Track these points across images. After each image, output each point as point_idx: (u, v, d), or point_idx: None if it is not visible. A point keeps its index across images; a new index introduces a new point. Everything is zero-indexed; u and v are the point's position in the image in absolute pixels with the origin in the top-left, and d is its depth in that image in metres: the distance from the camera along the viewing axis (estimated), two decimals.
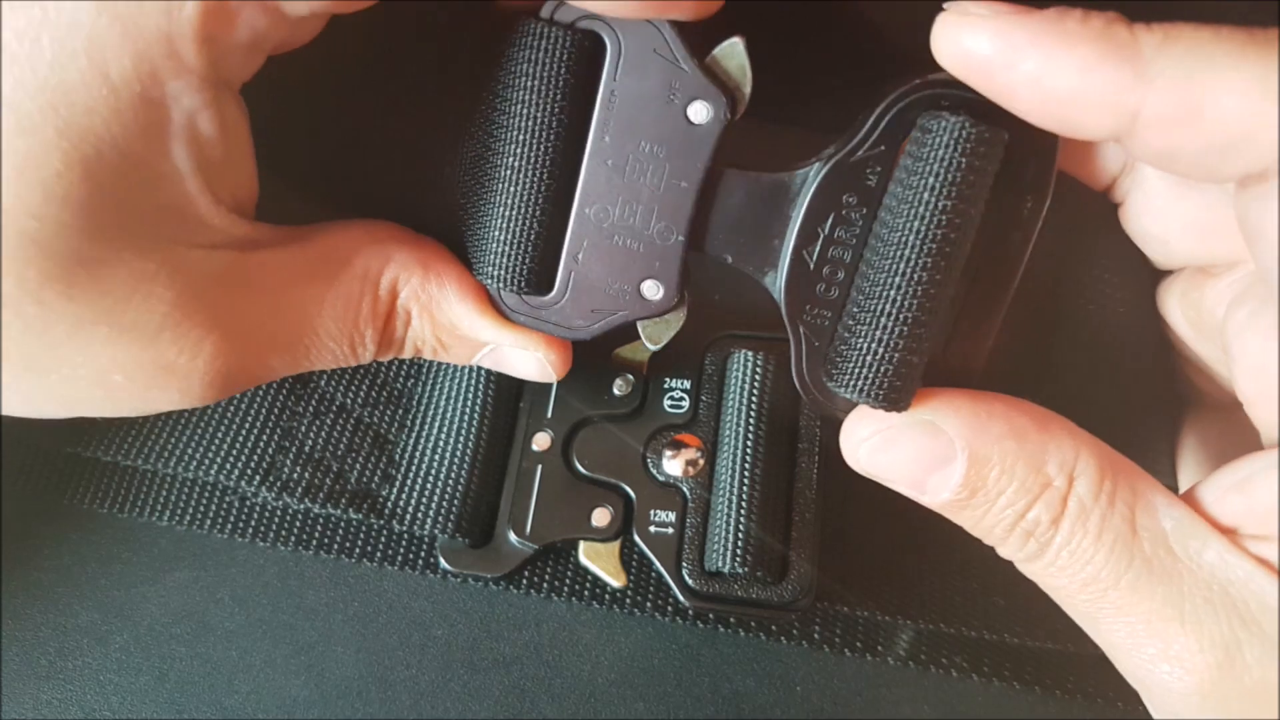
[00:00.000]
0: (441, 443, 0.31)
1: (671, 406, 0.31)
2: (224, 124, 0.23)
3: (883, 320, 0.23)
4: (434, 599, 0.32)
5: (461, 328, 0.27)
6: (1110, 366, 0.29)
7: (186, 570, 0.33)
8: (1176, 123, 0.21)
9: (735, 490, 0.29)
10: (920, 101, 0.23)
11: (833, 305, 0.25)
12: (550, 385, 0.32)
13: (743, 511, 0.29)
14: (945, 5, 0.22)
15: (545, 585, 0.32)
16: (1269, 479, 0.22)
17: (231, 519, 0.33)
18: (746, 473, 0.29)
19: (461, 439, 0.31)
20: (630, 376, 0.31)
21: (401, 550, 0.32)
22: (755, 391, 0.30)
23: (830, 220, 0.24)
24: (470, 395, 0.31)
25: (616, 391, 0.31)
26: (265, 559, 0.33)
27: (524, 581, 0.32)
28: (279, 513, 0.33)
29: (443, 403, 0.32)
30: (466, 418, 0.31)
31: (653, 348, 0.28)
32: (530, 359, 0.28)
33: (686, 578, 0.29)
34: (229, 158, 0.23)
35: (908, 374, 0.24)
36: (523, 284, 0.26)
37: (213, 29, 0.21)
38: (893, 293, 0.23)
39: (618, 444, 0.31)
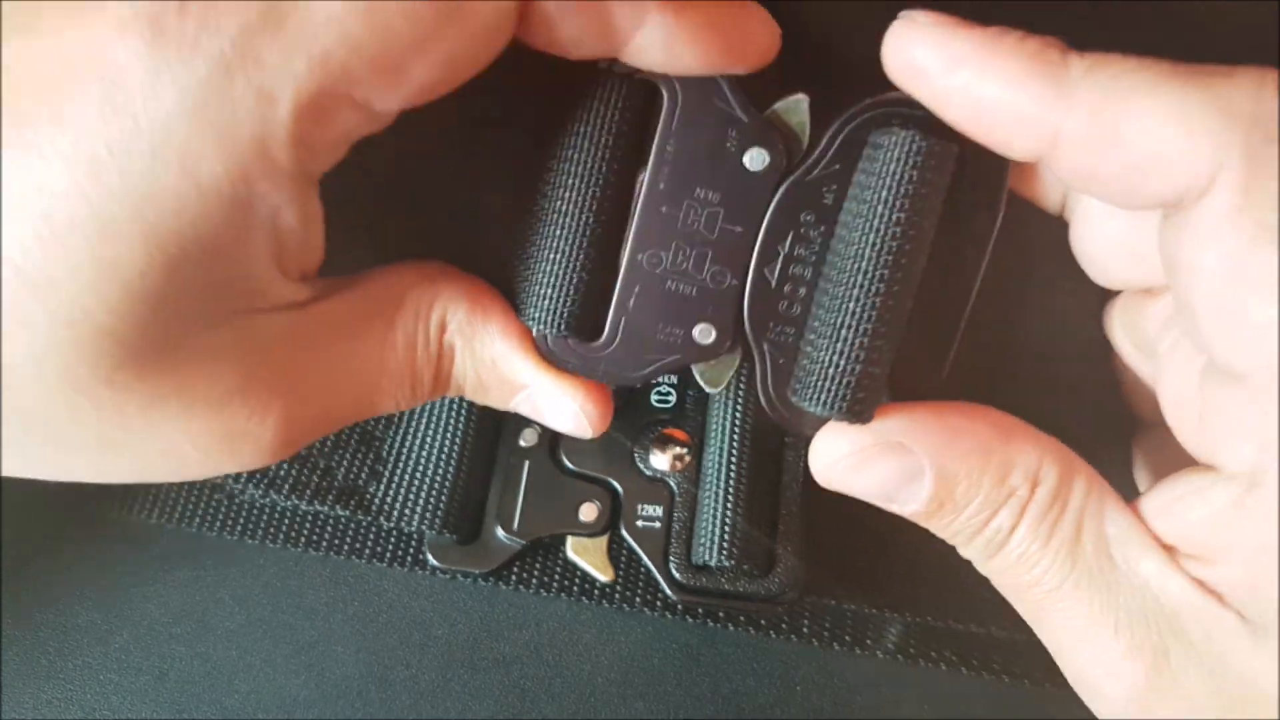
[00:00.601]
0: (428, 439, 0.31)
1: (658, 401, 0.31)
2: (305, 213, 0.23)
3: (843, 333, 0.24)
4: (434, 599, 0.32)
5: (501, 365, 0.27)
6: (1067, 379, 0.29)
7: (186, 570, 0.33)
8: (1094, 145, 0.21)
9: (722, 484, 0.29)
10: (873, 119, 0.24)
11: (795, 322, 0.25)
12: None
13: (729, 505, 0.29)
14: (900, 14, 0.23)
15: (533, 581, 0.32)
16: (1199, 501, 0.23)
17: (220, 517, 0.33)
18: (733, 467, 0.29)
19: (448, 435, 0.31)
20: None
21: (390, 547, 0.32)
22: (742, 386, 0.30)
23: (790, 239, 0.25)
24: None
25: None
26: (265, 559, 0.33)
27: (512, 577, 0.32)
28: (267, 510, 0.33)
29: None
30: (453, 414, 0.31)
31: (712, 390, 0.27)
32: (566, 409, 0.27)
33: (674, 571, 0.29)
34: (306, 242, 0.24)
35: (870, 385, 0.24)
36: (565, 326, 0.26)
37: (305, 131, 0.20)
38: (851, 305, 0.23)
39: (605, 439, 0.31)
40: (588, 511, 0.30)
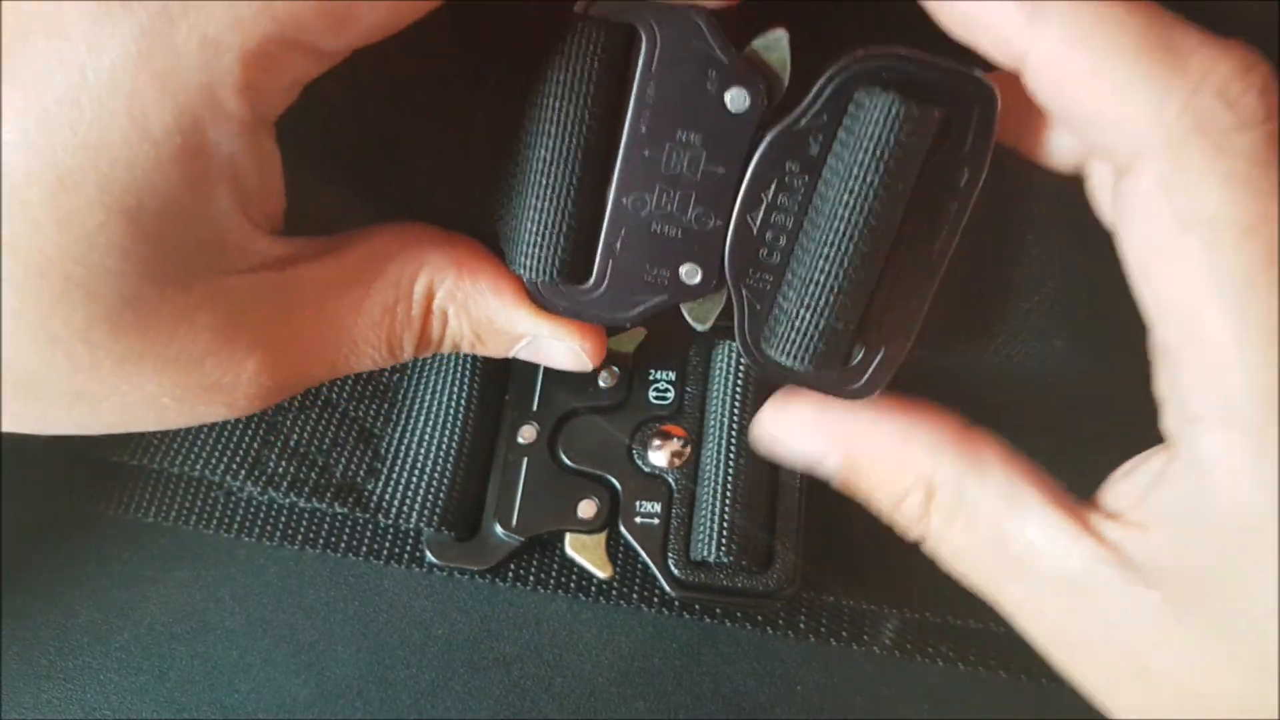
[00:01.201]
0: (427, 436, 0.31)
1: (656, 398, 0.31)
2: (261, 158, 0.23)
3: (811, 289, 0.24)
4: (434, 598, 0.32)
5: (498, 322, 0.28)
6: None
7: (187, 569, 0.33)
8: (1053, 82, 0.22)
9: (720, 480, 0.29)
10: (861, 74, 0.23)
11: (773, 270, 0.26)
12: (535, 378, 0.32)
13: (727, 501, 0.29)
14: None
15: (532, 578, 0.32)
16: (1139, 471, 0.24)
17: (217, 514, 0.33)
18: (731, 463, 0.29)
19: (447, 432, 0.31)
20: (616, 368, 0.32)
21: (388, 544, 0.32)
22: (739, 382, 0.30)
23: (774, 187, 0.25)
24: (455, 388, 0.32)
25: (602, 383, 0.31)
26: (265, 558, 0.33)
27: (510, 574, 0.32)
28: (265, 507, 0.33)
29: (428, 396, 0.32)
30: (452, 411, 0.31)
31: (700, 327, 0.28)
32: (565, 349, 0.28)
33: (672, 568, 0.29)
34: (264, 186, 0.24)
35: (834, 340, 0.25)
36: (556, 273, 0.26)
37: (253, 76, 0.21)
38: (822, 262, 0.24)
39: (603, 436, 0.31)
40: (586, 508, 0.30)
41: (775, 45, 0.24)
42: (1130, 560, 0.23)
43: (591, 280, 0.27)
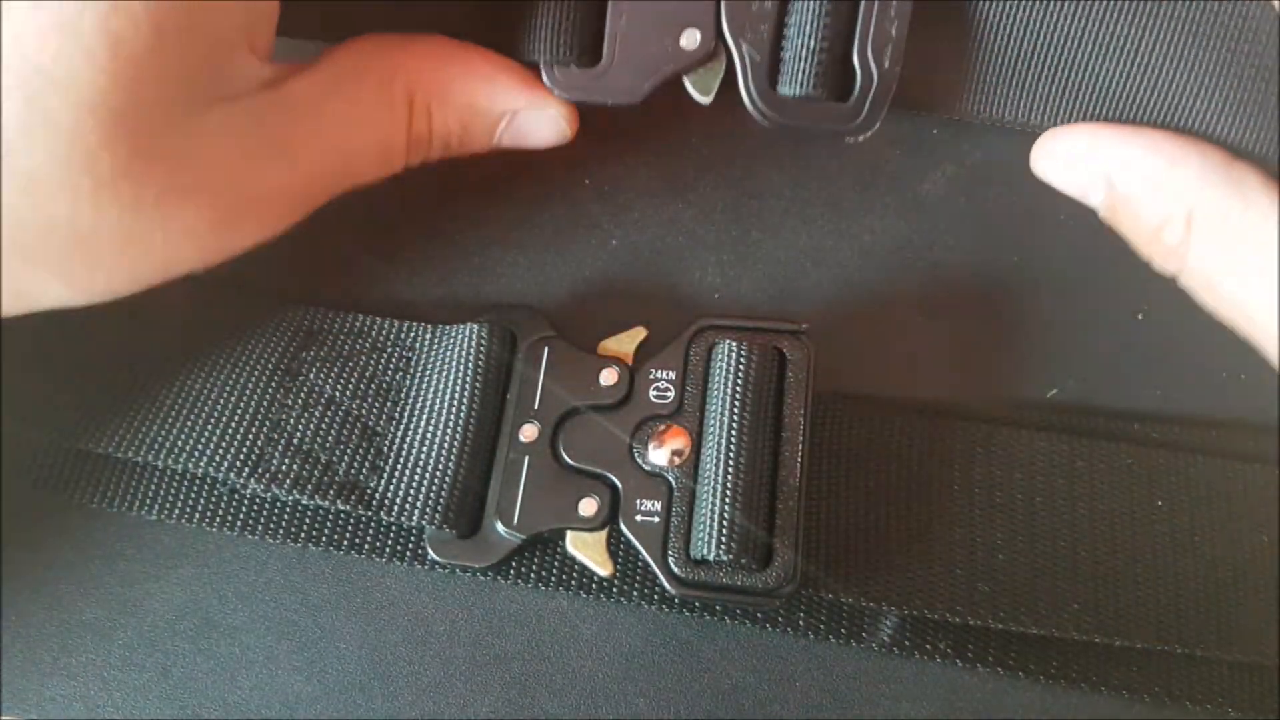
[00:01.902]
0: (429, 434, 0.32)
1: (657, 397, 0.31)
2: None
3: (810, 18, 0.28)
4: (436, 595, 0.33)
5: (478, 103, 0.30)
6: None
7: (190, 567, 0.33)
8: None
9: (720, 479, 0.29)
10: None
11: (768, 17, 0.29)
12: (537, 378, 0.32)
13: (727, 500, 0.29)
14: None
15: (532, 575, 0.32)
16: None
17: (221, 512, 0.33)
18: (731, 462, 0.29)
19: (449, 431, 0.31)
20: (616, 367, 0.32)
21: (390, 541, 0.33)
22: (739, 381, 0.30)
23: None
24: (458, 388, 0.32)
25: (603, 382, 0.32)
26: (268, 555, 0.33)
27: (511, 571, 0.32)
28: (268, 505, 0.33)
29: (431, 395, 0.32)
30: (454, 410, 0.31)
31: (703, 99, 0.30)
32: (546, 119, 0.31)
33: (672, 565, 0.29)
34: (266, 11, 0.26)
35: (834, 68, 0.29)
36: (567, 53, 0.29)
37: None
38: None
39: (604, 435, 0.31)
40: (587, 506, 0.30)
41: None
42: None
43: (602, 61, 0.29)
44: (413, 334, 0.34)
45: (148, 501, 0.33)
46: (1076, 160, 0.30)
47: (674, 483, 0.30)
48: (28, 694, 0.32)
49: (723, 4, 0.28)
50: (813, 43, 0.28)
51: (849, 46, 0.29)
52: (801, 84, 0.28)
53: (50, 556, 0.33)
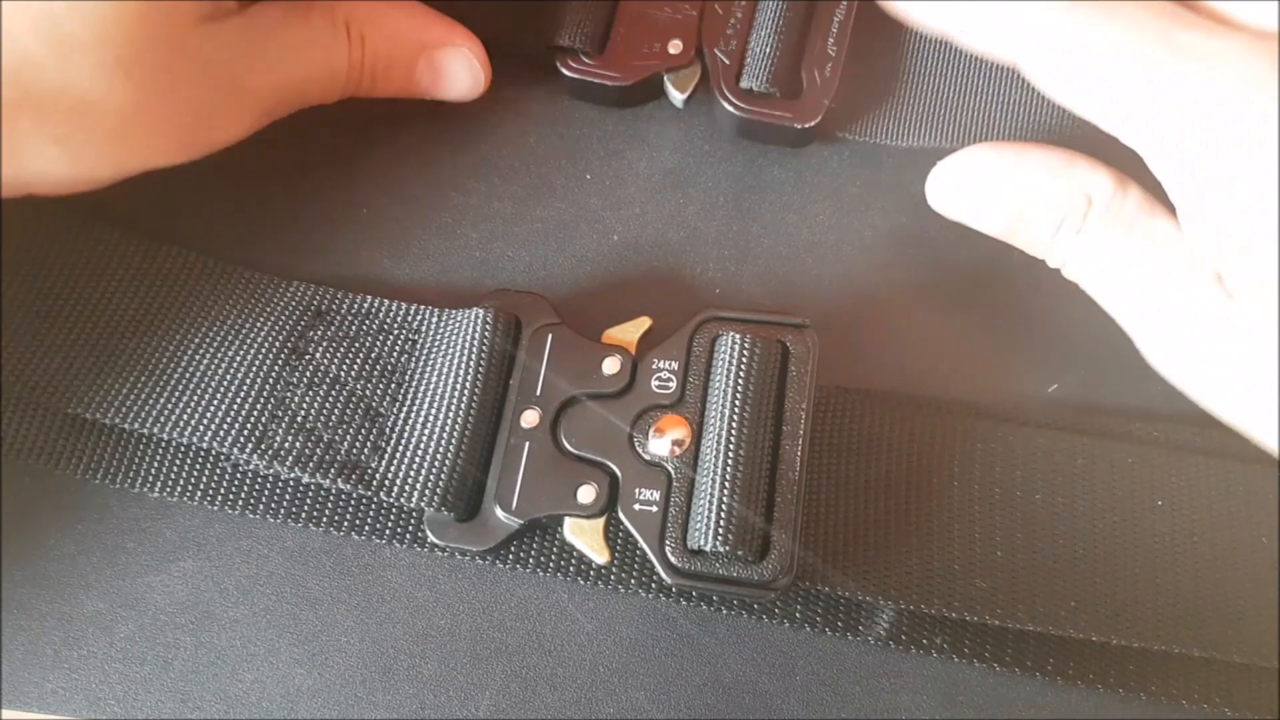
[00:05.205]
0: (432, 417, 0.32)
1: (659, 387, 0.31)
2: None
3: (768, 28, 0.35)
4: (437, 588, 0.33)
5: (402, 31, 0.35)
6: None
7: (191, 560, 0.33)
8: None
9: (719, 470, 0.29)
10: None
11: (739, 35, 0.36)
12: (540, 365, 0.32)
13: (725, 491, 0.29)
14: None
15: (530, 560, 0.32)
16: None
17: (223, 491, 0.33)
18: (730, 453, 0.29)
19: (451, 414, 0.31)
20: (619, 356, 0.32)
21: (389, 523, 0.33)
22: (741, 374, 0.30)
23: None
24: (461, 372, 0.32)
25: (606, 371, 0.32)
26: (269, 548, 0.33)
27: (509, 556, 0.32)
28: (269, 484, 0.33)
29: (434, 378, 0.33)
30: (457, 394, 0.32)
31: (679, 95, 0.37)
32: (458, 57, 0.36)
33: (669, 555, 0.29)
34: None
35: (788, 64, 0.35)
36: (583, 41, 0.36)
37: None
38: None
39: (605, 423, 0.31)
40: (586, 494, 0.30)
41: None
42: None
43: (605, 54, 0.37)
44: (419, 317, 0.34)
45: (148, 478, 0.34)
46: (979, 171, 0.32)
47: (673, 473, 0.30)
48: (29, 687, 0.32)
49: (702, 24, 0.36)
50: (769, 49, 0.35)
51: (799, 60, 0.36)
52: (759, 79, 0.35)
53: (51, 550, 0.33)
